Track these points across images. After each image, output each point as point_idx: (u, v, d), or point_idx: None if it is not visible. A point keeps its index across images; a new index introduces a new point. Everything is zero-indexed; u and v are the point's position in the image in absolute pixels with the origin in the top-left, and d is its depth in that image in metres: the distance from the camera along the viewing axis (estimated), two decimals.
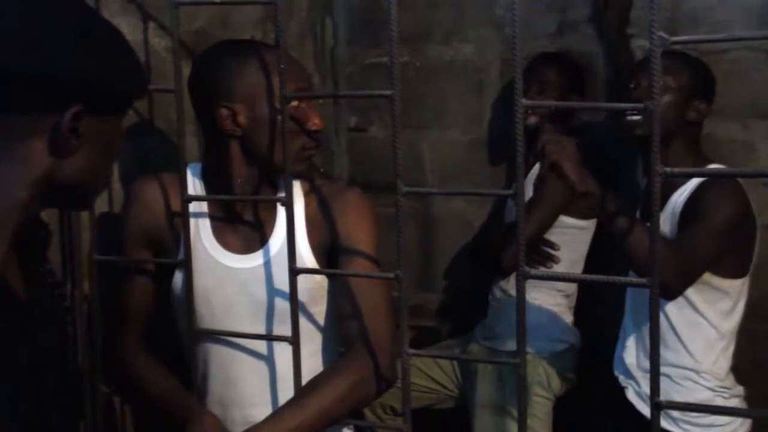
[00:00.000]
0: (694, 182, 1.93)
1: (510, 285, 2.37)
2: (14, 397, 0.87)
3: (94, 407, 1.63)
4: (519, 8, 1.08)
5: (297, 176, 1.51)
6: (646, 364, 2.00)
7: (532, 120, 2.30)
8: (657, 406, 1.07)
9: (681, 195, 1.94)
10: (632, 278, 1.19)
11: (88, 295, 1.65)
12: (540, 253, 2.30)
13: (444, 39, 2.73)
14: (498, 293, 2.45)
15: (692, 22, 2.40)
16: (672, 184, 1.98)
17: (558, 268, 2.31)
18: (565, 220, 2.32)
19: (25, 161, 0.92)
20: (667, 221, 1.95)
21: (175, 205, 1.51)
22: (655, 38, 1.00)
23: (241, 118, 1.45)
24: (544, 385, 2.34)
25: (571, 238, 2.34)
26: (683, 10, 2.41)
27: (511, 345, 2.33)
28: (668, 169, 1.03)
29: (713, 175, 1.91)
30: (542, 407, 2.34)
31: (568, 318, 2.41)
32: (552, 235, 2.31)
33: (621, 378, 2.09)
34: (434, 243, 2.85)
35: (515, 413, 2.17)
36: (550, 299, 2.37)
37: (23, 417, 0.87)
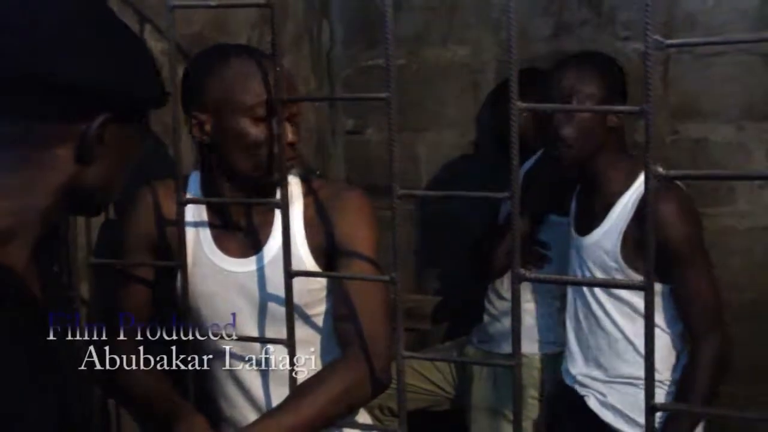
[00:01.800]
0: (635, 194, 1.86)
1: (504, 288, 2.37)
2: (30, 399, 0.87)
3: (90, 409, 1.63)
4: (514, 11, 1.08)
5: (271, 185, 1.50)
6: (598, 373, 1.98)
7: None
8: (652, 410, 1.07)
9: (624, 207, 1.88)
10: (627, 281, 1.19)
11: (85, 299, 1.65)
12: (531, 253, 2.30)
13: (440, 41, 2.74)
14: (493, 296, 2.45)
15: (688, 25, 2.41)
16: (606, 199, 1.92)
17: (549, 266, 2.30)
18: (552, 218, 2.32)
19: (52, 168, 0.93)
20: (609, 236, 1.90)
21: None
22: (650, 41, 1.00)
23: (208, 128, 1.46)
24: (538, 387, 2.34)
25: (560, 235, 2.33)
26: (679, 13, 2.42)
27: (506, 347, 2.33)
28: (664, 171, 1.03)
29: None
30: (536, 409, 2.34)
31: (562, 320, 2.41)
32: (541, 233, 2.32)
33: (577, 387, 2.04)
34: (430, 246, 2.86)
35: (510, 415, 2.18)
36: (544, 301, 2.37)
37: (33, 418, 0.87)
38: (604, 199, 1.92)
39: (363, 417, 1.66)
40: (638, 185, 1.84)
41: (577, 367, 2.03)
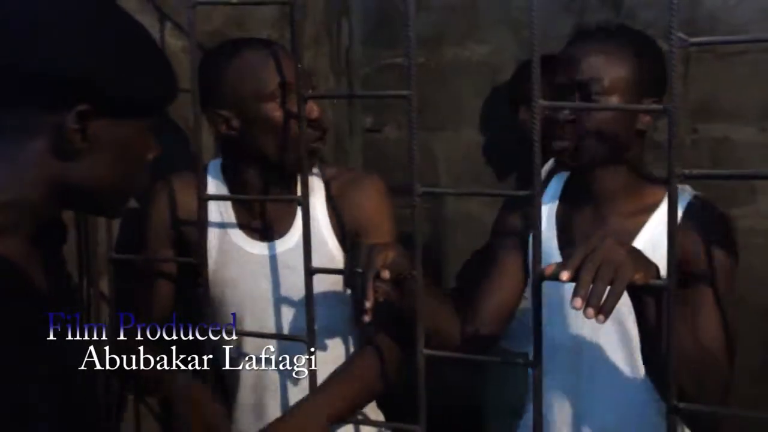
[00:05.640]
0: (661, 220, 1.38)
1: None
2: (39, 396, 0.86)
3: (108, 404, 1.64)
4: (536, 10, 1.08)
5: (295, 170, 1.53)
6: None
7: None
8: (674, 410, 1.06)
9: (653, 234, 1.39)
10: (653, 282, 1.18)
11: (104, 294, 1.66)
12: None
13: (459, 40, 2.73)
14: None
15: (710, 23, 2.39)
16: (628, 216, 1.43)
17: None
18: None
19: (29, 160, 0.88)
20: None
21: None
22: (674, 39, 0.99)
23: (234, 123, 1.48)
24: None
25: None
26: (701, 12, 2.40)
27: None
28: (687, 171, 1.02)
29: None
30: None
31: None
32: None
33: None
34: (448, 243, 2.85)
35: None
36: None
37: (47, 417, 0.86)
38: (627, 217, 1.44)
39: (375, 413, 1.67)
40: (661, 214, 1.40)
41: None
